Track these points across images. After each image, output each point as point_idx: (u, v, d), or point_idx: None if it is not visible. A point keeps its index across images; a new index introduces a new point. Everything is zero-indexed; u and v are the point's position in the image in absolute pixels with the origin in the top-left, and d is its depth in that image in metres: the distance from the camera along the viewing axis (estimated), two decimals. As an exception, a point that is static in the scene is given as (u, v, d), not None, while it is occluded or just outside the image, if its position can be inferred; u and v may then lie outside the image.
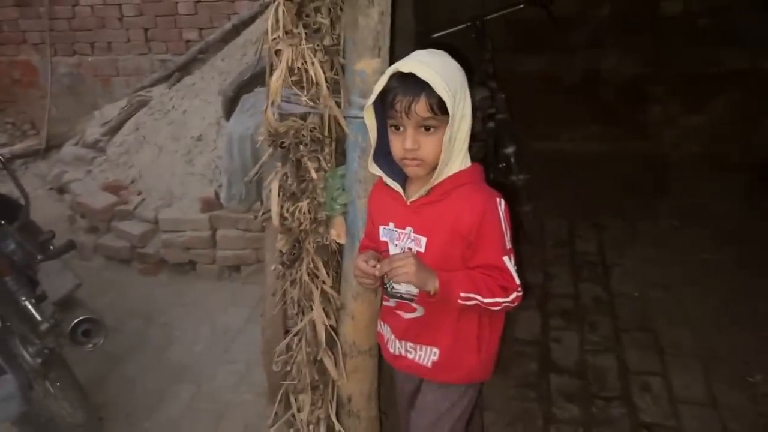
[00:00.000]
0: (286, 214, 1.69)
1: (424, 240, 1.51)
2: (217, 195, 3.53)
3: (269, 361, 2.01)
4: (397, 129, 1.46)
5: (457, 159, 1.48)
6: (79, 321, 2.27)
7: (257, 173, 2.08)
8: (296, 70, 1.56)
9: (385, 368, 1.95)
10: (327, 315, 1.79)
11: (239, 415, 2.58)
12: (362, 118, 1.61)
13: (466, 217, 1.47)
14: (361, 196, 1.70)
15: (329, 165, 1.72)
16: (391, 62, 1.62)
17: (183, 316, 3.25)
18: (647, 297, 3.17)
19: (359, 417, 1.88)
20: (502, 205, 1.49)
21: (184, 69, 4.86)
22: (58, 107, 5.49)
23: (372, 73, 1.60)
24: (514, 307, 1.51)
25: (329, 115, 1.63)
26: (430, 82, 1.36)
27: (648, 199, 4.09)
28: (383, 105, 1.47)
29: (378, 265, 1.46)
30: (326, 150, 1.68)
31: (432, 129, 1.43)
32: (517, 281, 1.49)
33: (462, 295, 1.45)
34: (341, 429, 1.84)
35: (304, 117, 1.68)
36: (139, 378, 2.82)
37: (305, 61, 1.52)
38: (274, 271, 2.02)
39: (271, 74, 1.67)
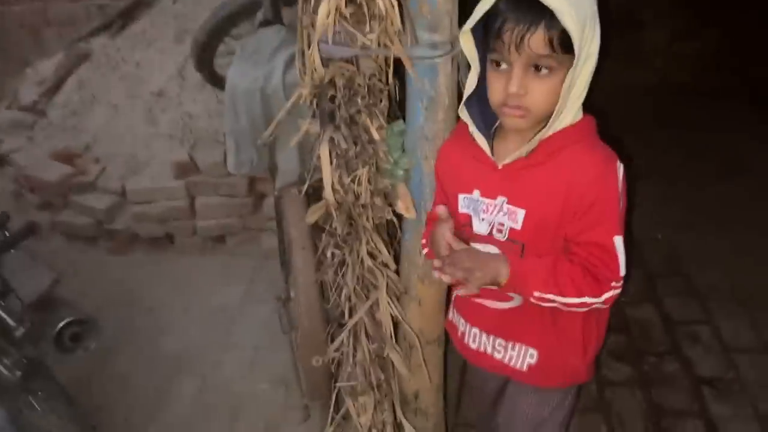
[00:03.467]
0: (337, 186, 1.36)
1: (521, 213, 1.21)
2: (191, 158, 3.13)
3: (308, 355, 1.70)
4: (499, 66, 1.14)
5: (572, 110, 1.17)
6: (65, 324, 1.89)
7: (272, 134, 1.73)
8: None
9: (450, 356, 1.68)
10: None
11: (257, 409, 2.28)
12: (430, 59, 1.28)
13: (580, 185, 1.16)
14: (429, 157, 1.38)
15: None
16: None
17: (169, 298, 2.87)
18: (671, 238, 2.99)
19: (427, 414, 1.61)
20: (621, 170, 1.20)
21: (128, 15, 4.29)
22: (-17, 66, 4.82)
23: (444, 0, 1.25)
24: (606, 307, 1.22)
25: (390, 59, 1.29)
26: (554, 9, 1.03)
27: (647, 132, 3.89)
28: (483, 32, 1.14)
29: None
30: (383, 102, 1.35)
31: (545, 70, 1.11)
32: (622, 271, 1.19)
33: (536, 294, 1.18)
34: (413, 429, 1.56)
35: (352, 61, 1.33)
36: (132, 374, 2.46)
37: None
38: (304, 252, 1.70)
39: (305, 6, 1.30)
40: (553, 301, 1.18)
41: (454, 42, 1.29)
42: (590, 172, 1.17)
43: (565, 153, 1.18)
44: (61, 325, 1.88)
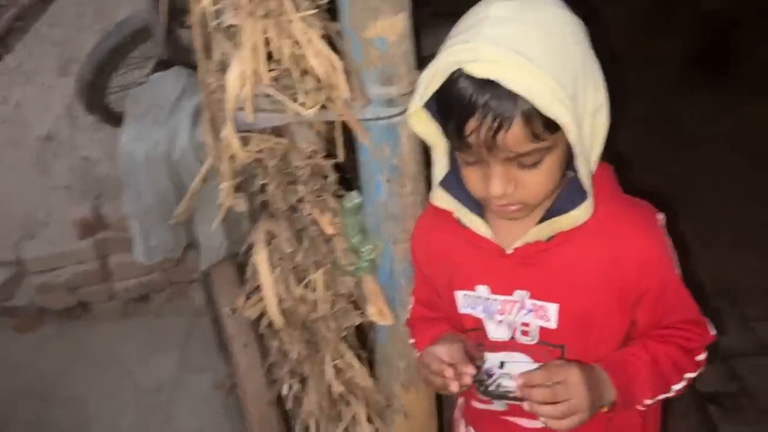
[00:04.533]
0: (284, 296, 1.02)
1: (553, 308, 0.92)
2: (96, 211, 2.70)
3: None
4: (470, 162, 0.85)
5: (591, 173, 0.89)
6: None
7: (186, 209, 1.36)
8: (277, 55, 0.85)
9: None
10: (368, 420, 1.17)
11: None
12: (387, 118, 0.96)
13: (629, 259, 0.90)
14: (399, 240, 1.05)
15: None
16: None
17: (92, 380, 2.45)
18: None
19: None
20: (664, 222, 0.94)
21: (1, 45, 3.73)
22: None
23: (398, 41, 0.92)
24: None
25: (335, 124, 0.95)
26: (529, 98, 0.74)
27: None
28: (438, 109, 0.84)
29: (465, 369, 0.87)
30: (330, 179, 1.01)
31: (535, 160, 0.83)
32: (712, 330, 0.98)
33: (648, 403, 0.92)
34: None
35: (282, 132, 0.98)
36: (57, 490, 2.07)
37: (297, 41, 0.81)
38: (247, 350, 1.36)
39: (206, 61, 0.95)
40: (665, 398, 0.96)
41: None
42: (639, 238, 0.91)
43: (593, 220, 0.90)
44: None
